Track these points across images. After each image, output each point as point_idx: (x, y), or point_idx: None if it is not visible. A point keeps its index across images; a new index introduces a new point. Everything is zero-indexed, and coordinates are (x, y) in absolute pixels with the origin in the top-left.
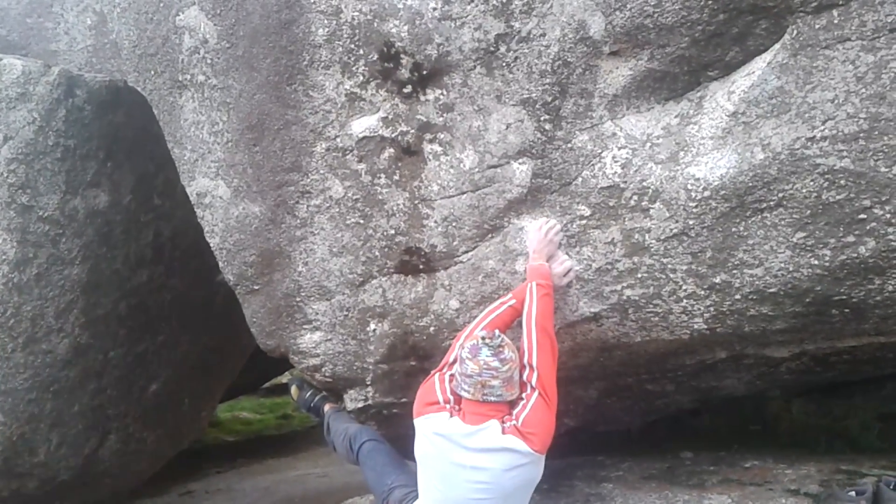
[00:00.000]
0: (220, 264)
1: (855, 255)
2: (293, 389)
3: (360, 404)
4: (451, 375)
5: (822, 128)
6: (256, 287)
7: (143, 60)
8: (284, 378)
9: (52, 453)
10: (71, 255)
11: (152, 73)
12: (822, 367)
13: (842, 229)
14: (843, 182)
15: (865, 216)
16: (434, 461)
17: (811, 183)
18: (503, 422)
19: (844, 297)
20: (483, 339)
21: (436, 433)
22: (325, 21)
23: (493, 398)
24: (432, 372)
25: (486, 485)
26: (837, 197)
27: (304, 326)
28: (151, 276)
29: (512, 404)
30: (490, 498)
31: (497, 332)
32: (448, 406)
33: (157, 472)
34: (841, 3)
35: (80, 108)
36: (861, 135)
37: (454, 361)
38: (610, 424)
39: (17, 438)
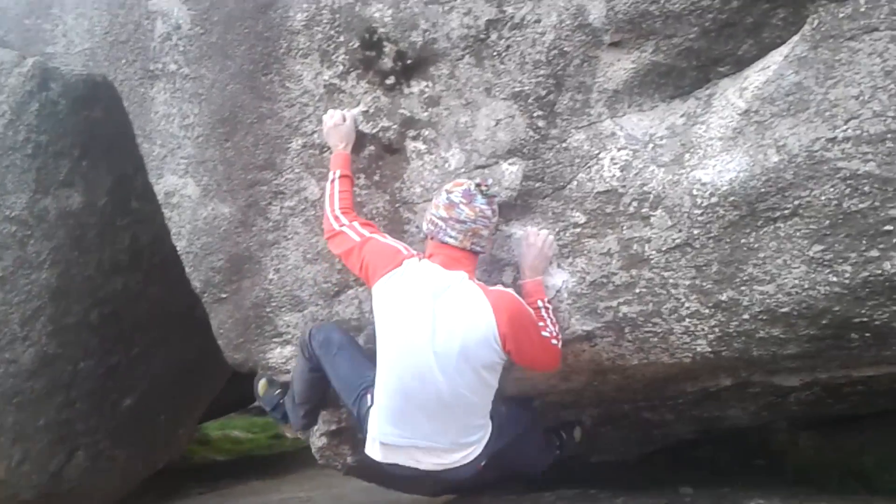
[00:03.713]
0: (187, 270)
1: (879, 271)
2: (262, 383)
3: (334, 427)
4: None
5: (845, 127)
6: (224, 295)
7: (114, 48)
8: None
9: (13, 470)
10: (39, 258)
11: (123, 62)
12: (834, 398)
13: (865, 242)
14: (867, 189)
15: (892, 227)
16: (396, 319)
17: (831, 189)
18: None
19: (866, 319)
20: (478, 185)
21: (407, 278)
22: (305, 4)
23: (478, 248)
24: (361, 241)
25: (445, 343)
26: (860, 205)
27: (275, 340)
28: (127, 283)
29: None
30: (445, 367)
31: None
32: (416, 254)
33: (135, 490)
34: None
35: (54, 102)
36: (888, 135)
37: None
38: (604, 455)
39: None
